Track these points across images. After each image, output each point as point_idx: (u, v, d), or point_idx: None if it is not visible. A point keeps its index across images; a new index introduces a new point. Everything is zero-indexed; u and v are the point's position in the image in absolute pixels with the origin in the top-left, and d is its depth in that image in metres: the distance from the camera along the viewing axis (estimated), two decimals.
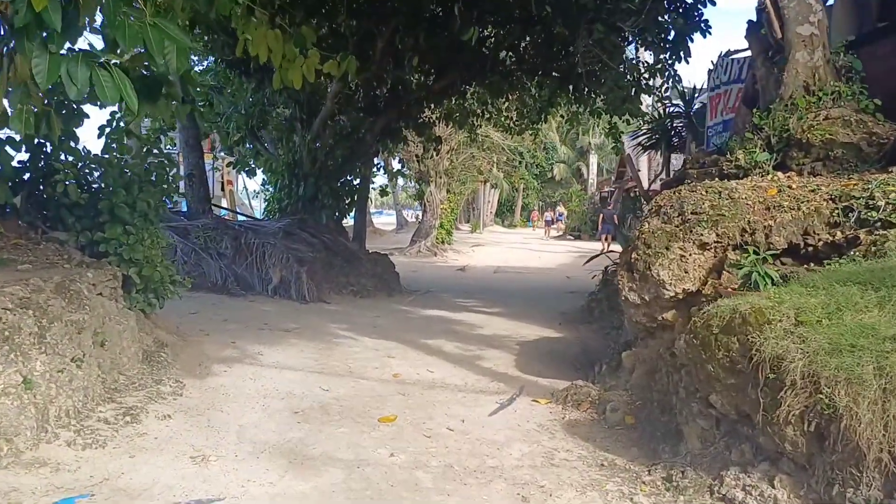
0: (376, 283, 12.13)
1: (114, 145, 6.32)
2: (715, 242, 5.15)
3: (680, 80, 11.92)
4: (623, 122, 13.71)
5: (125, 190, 6.09)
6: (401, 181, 29.21)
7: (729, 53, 7.81)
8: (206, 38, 12.12)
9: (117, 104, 6.39)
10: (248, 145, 13.50)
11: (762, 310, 3.71)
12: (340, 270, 11.92)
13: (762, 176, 5.81)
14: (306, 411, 4.99)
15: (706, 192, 5.49)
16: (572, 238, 36.38)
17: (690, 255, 5.15)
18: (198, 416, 4.72)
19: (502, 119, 16.27)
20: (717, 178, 6.09)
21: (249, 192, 31.89)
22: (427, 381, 6.05)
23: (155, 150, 6.64)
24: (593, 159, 40.73)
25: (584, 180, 54.43)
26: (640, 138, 11.84)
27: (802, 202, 5.07)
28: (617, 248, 30.27)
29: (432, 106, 14.24)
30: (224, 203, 25.62)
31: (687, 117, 10.25)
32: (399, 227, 47.32)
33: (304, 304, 10.09)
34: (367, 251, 13.99)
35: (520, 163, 37.82)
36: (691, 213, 5.29)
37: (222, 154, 19.72)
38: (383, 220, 67.35)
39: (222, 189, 25.27)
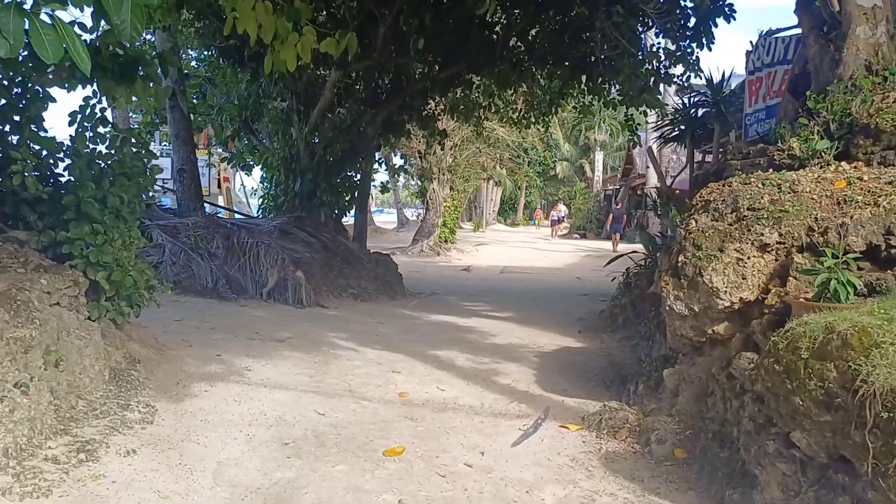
0: (378, 286, 11.39)
1: (88, 134, 5.58)
2: (777, 243, 4.39)
3: (700, 69, 11.16)
4: (640, 113, 12.96)
5: (95, 183, 5.34)
6: (402, 178, 28.46)
7: (771, 32, 7.06)
8: (196, 24, 11.38)
9: (91, 87, 5.71)
10: (243, 140, 12.75)
11: (867, 329, 2.95)
12: (340, 272, 11.17)
13: (823, 166, 5.05)
14: (298, 442, 4.24)
15: (763, 184, 4.73)
16: (578, 237, 35.62)
17: (749, 258, 4.39)
18: (169, 450, 3.97)
19: (509, 112, 15.51)
20: (768, 170, 5.35)
21: (247, 189, 31.19)
22: (438, 401, 5.30)
23: (133, 140, 5.88)
24: (599, 156, 39.95)
25: (587, 178, 53.79)
26: (662, 130, 11.06)
27: (880, 196, 4.32)
28: (623, 247, 29.55)
29: (437, 97, 13.49)
30: (221, 201, 24.89)
31: (715, 106, 9.48)
32: (400, 225, 46.58)
33: (300, 309, 9.34)
34: (368, 251, 13.24)
35: (524, 160, 37.05)
36: (748, 208, 4.53)
37: (219, 150, 18.99)
38: (384, 218, 66.71)
39: (219, 186, 24.55)
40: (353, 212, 15.56)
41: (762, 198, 4.55)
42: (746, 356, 4.03)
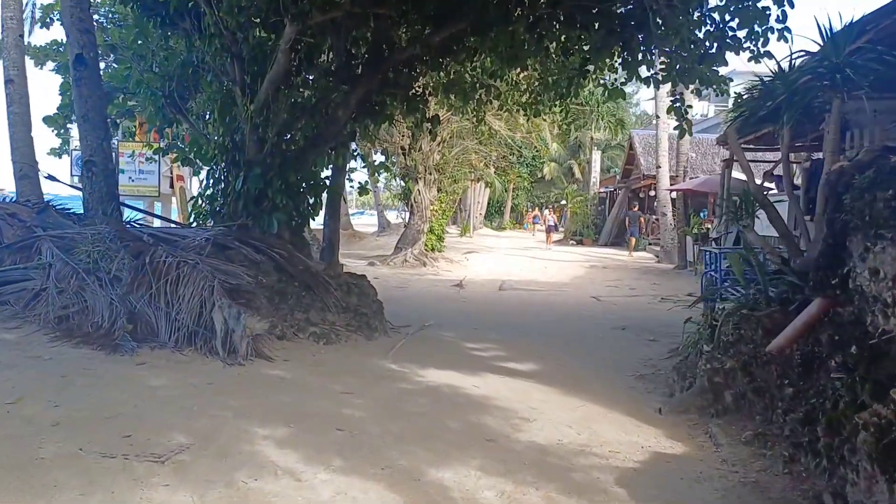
0: (350, 320, 8.35)
1: None
2: None
3: (788, 30, 8.30)
4: (692, 93, 10.08)
5: None
6: (383, 177, 25.44)
7: None
8: None
9: None
10: (180, 124, 9.67)
11: None
12: (298, 303, 8.13)
13: None
14: None
15: None
16: (574, 243, 32.77)
17: None
18: None
19: (516, 94, 12.57)
20: None
21: None
22: None
23: None
24: (596, 156, 37.16)
25: (576, 179, 51.13)
26: (741, 110, 8.18)
27: None
28: (640, 254, 26.79)
29: (427, 72, 10.50)
30: (174, 203, 21.69)
31: (834, 71, 6.57)
32: (381, 229, 43.52)
33: (229, 367, 6.28)
34: (339, 270, 10.23)
35: (517, 159, 34.17)
36: None
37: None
38: (364, 221, 63.67)
39: (171, 186, 21.33)
40: (321, 217, 12.64)
41: None
42: None
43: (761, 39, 8.66)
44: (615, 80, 11.84)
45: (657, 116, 23.52)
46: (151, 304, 7.23)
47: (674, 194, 23.48)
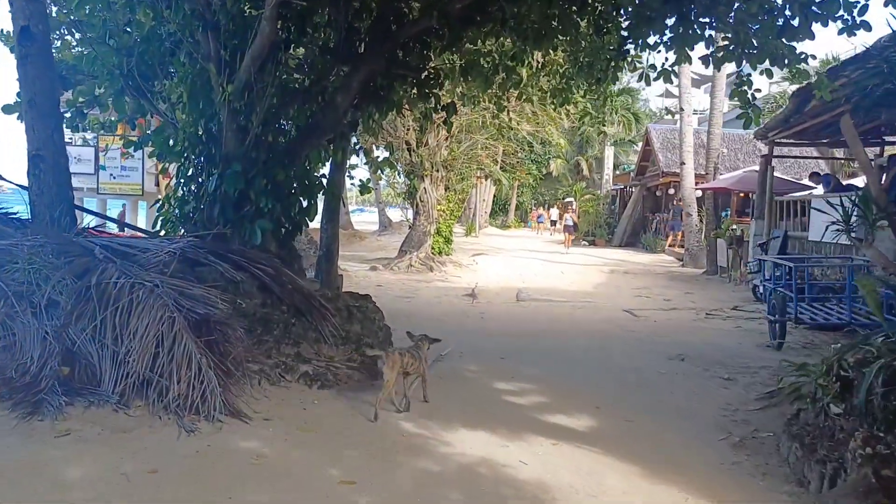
0: (351, 354, 6.66)
1: None
2: None
3: None
4: (761, 73, 8.42)
5: None
6: (386, 174, 23.77)
7: None
8: None
9: None
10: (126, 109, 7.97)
11: None
12: (286, 333, 6.48)
13: None
14: None
15: None
16: (586, 244, 31.08)
17: None
18: None
19: (544, 79, 10.92)
20: None
21: None
22: None
23: None
24: (609, 152, 35.50)
25: (583, 176, 49.50)
26: (843, 90, 6.54)
27: None
28: (660, 257, 25.10)
29: (443, 49, 8.83)
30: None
31: None
32: (382, 228, 41.91)
33: (190, 435, 4.63)
34: (337, 288, 8.60)
35: (528, 155, 32.47)
36: None
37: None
38: (364, 218, 61.95)
39: (157, 184, 19.65)
40: (320, 220, 11.05)
41: None
42: None
43: (859, 6, 7.04)
44: (662, 62, 10.18)
45: (681, 109, 21.88)
46: (95, 341, 5.57)
47: (698, 192, 21.84)
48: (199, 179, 7.25)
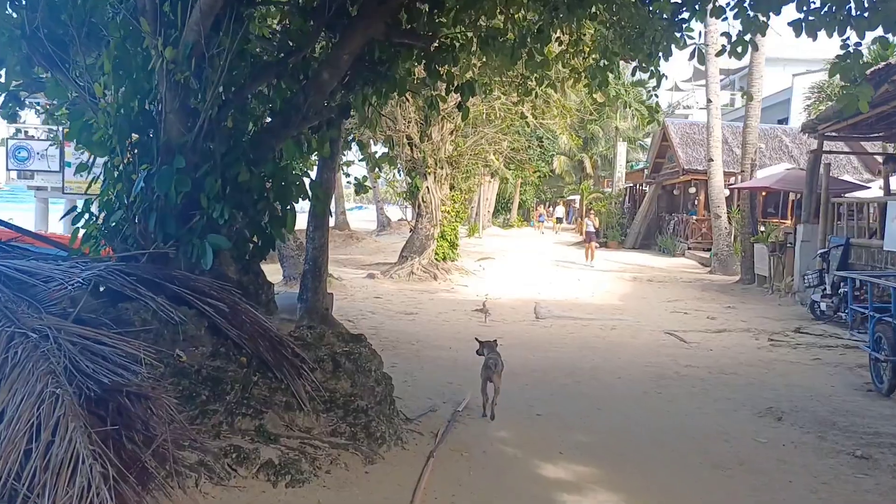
0: (338, 423, 4.77)
1: None
2: None
3: None
4: (873, 42, 6.53)
5: None
6: (385, 171, 21.82)
7: None
8: None
9: None
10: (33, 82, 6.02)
11: None
12: (243, 399, 4.56)
13: None
14: None
15: None
16: (597, 246, 29.05)
17: None
18: None
19: (580, 56, 9.00)
20: None
21: None
22: None
23: None
24: (622, 148, 33.57)
25: (586, 174, 47.61)
26: None
27: None
28: (680, 261, 23.07)
29: (458, 11, 6.90)
30: None
31: None
32: (381, 228, 40.04)
33: None
34: (323, 321, 6.69)
35: (537, 152, 30.50)
36: None
37: None
38: (362, 216, 60.06)
39: None
40: (306, 231, 9.26)
41: None
42: None
43: None
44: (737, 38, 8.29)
45: (709, 100, 19.98)
46: None
47: (726, 191, 19.96)
48: (133, 178, 5.31)
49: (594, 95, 11.67)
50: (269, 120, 6.40)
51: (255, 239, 5.75)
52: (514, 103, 16.08)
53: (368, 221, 46.89)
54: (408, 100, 16.22)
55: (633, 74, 9.41)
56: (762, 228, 16.64)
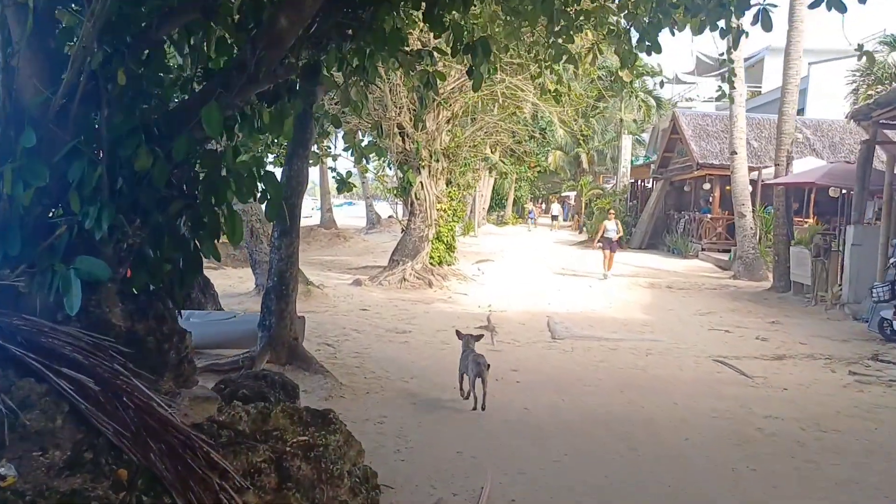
0: None
1: None
2: None
3: None
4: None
5: None
6: (373, 165, 19.74)
7: None
8: None
9: None
10: None
11: None
12: None
13: None
14: None
15: None
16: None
17: None
18: None
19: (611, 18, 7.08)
20: None
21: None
22: None
23: None
24: (627, 142, 31.62)
25: (583, 170, 45.78)
26: None
27: None
28: (695, 263, 21.16)
29: None
30: None
31: None
32: (370, 226, 38.01)
33: None
34: (286, 357, 4.72)
35: (539, 144, 28.50)
36: None
37: None
38: (351, 212, 57.90)
39: None
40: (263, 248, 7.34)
41: None
42: None
43: None
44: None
45: (732, 87, 17.97)
46: None
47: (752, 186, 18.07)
48: None
49: (620, 72, 9.74)
50: (196, 83, 4.42)
51: (163, 259, 3.72)
52: (518, 87, 14.10)
53: (359, 218, 44.80)
54: (397, 87, 14.27)
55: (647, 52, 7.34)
56: (810, 231, 14.72)
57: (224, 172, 4.11)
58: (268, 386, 4.83)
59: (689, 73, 49.32)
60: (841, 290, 12.65)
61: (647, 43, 6.84)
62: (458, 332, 6.80)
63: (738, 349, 9.49)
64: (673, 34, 6.79)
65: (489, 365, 6.14)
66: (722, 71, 34.26)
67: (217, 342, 7.49)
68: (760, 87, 35.91)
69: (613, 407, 6.54)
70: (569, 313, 12.63)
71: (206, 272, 17.35)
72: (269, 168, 4.56)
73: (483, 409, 6.09)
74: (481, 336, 6.96)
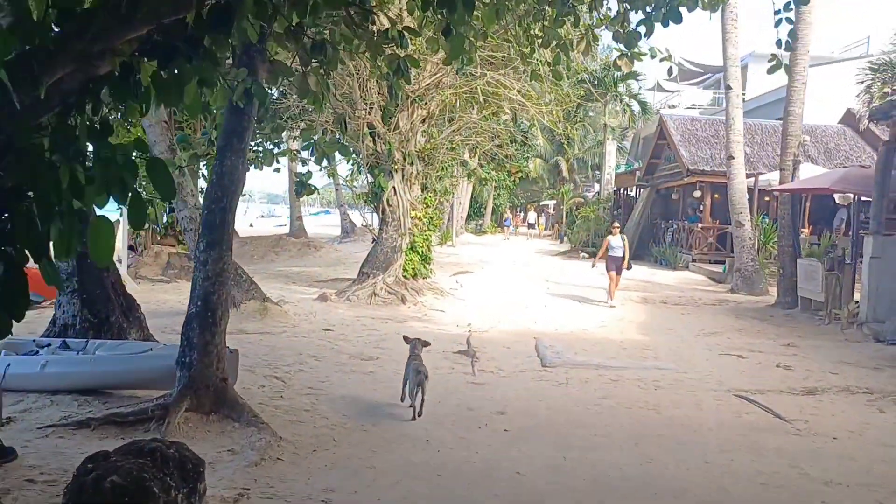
0: None
1: None
2: None
3: None
4: None
5: None
6: (344, 170, 18.31)
7: None
8: None
9: None
10: None
11: None
12: None
13: None
14: None
15: None
16: (586, 257, 25.93)
17: None
18: None
19: None
20: None
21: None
22: None
23: None
24: (611, 147, 30.43)
25: (562, 178, 44.63)
26: None
27: None
28: (685, 275, 19.71)
29: None
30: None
31: None
32: (344, 234, 36.47)
33: None
34: (216, 390, 3.22)
35: (521, 148, 27.21)
36: None
37: None
38: (326, 221, 56.31)
39: None
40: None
41: None
42: None
43: None
44: None
45: (728, 87, 16.87)
46: None
47: (746, 195, 16.86)
48: None
49: (619, 62, 8.39)
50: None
51: None
52: (501, 84, 12.74)
53: (333, 227, 43.16)
54: (368, 85, 12.84)
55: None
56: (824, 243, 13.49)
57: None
58: (154, 466, 3.36)
59: (670, 80, 48.53)
60: (858, 307, 11.42)
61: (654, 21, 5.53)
62: (405, 338, 6.87)
63: (760, 380, 8.16)
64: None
65: (427, 375, 6.21)
66: (706, 77, 33.32)
67: (128, 382, 5.99)
68: (744, 94, 35.09)
69: (629, 469, 5.13)
70: (558, 333, 11.25)
71: (148, 288, 15.37)
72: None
73: (420, 415, 6.13)
74: (428, 343, 6.86)
